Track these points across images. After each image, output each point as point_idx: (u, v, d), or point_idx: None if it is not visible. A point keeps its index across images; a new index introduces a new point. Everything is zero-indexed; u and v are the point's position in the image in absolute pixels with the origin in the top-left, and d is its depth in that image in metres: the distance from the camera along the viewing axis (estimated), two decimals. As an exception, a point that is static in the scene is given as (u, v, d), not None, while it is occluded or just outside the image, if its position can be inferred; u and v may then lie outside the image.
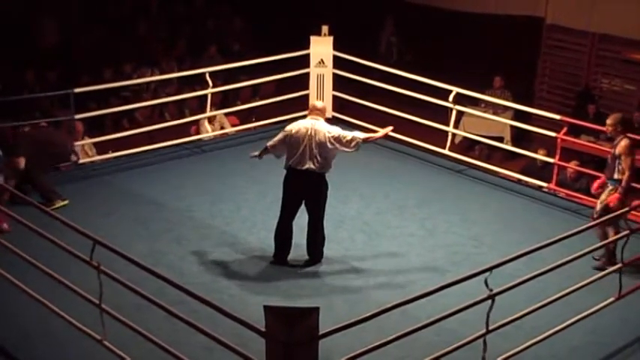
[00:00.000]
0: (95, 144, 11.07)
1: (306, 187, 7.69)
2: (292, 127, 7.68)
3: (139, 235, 8.39)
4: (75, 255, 6.00)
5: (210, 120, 11.84)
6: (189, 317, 5.36)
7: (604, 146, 11.72)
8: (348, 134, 7.70)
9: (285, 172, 7.75)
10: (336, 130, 7.69)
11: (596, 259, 7.93)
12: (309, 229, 7.89)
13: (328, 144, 7.56)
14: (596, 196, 8.26)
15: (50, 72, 13.11)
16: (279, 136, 7.79)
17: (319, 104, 8.01)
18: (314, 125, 7.64)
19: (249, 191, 9.57)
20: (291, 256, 7.93)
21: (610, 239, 7.54)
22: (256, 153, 8.04)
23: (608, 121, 8.09)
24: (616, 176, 7.95)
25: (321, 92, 11.75)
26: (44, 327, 6.57)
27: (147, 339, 5.65)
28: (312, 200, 7.77)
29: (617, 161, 7.94)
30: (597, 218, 7.79)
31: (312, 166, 7.55)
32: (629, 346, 6.79)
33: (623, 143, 7.93)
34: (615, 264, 7.25)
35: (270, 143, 7.89)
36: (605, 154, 11.48)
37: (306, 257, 7.94)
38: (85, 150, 10.97)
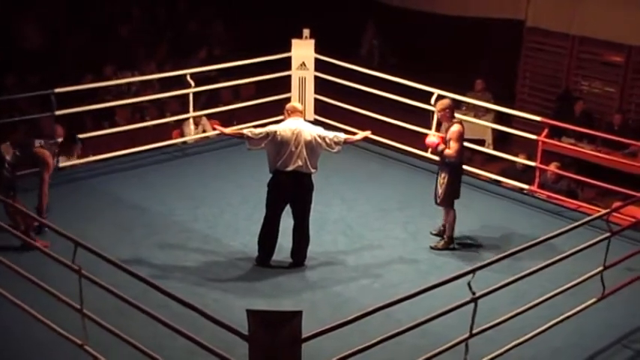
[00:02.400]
0: (76, 148, 10.98)
1: (294, 188, 7.68)
2: (278, 129, 7.65)
3: (121, 240, 8.34)
4: (56, 259, 5.96)
5: (196, 122, 11.81)
6: (171, 321, 5.33)
7: (585, 148, 11.83)
8: (331, 134, 7.77)
9: (269, 174, 7.72)
10: (320, 130, 7.76)
11: (433, 234, 8.61)
12: (294, 232, 7.89)
13: (314, 143, 7.61)
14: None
15: (32, 76, 13.03)
16: (262, 132, 7.69)
17: (300, 106, 8.03)
18: (299, 126, 7.65)
19: (232, 195, 9.55)
20: (273, 259, 7.91)
21: (450, 221, 8.30)
22: (226, 130, 8.01)
23: (437, 107, 8.40)
24: (448, 160, 8.20)
25: (303, 95, 11.76)
26: (25, 331, 6.51)
27: (129, 344, 5.62)
28: (299, 202, 7.78)
29: (447, 145, 8.19)
30: (439, 203, 8.38)
31: (300, 167, 7.57)
32: (611, 347, 6.82)
33: (455, 129, 8.17)
34: (453, 248, 8.28)
35: (248, 132, 7.75)
36: (586, 156, 11.64)
37: (289, 260, 7.93)
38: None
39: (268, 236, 7.85)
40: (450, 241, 8.46)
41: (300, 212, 7.82)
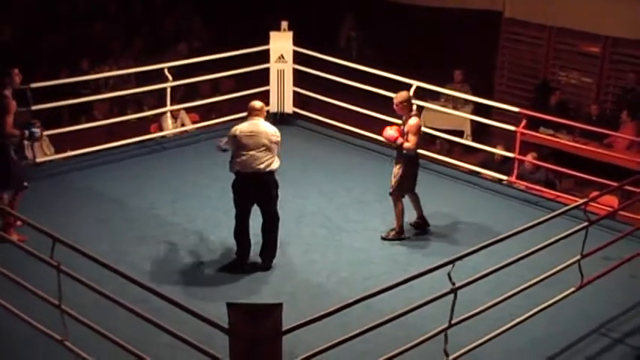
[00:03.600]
0: (53, 142, 10.94)
1: (255, 188, 7.60)
2: (236, 130, 7.56)
3: (100, 234, 8.31)
4: (34, 255, 5.93)
5: (174, 116, 11.77)
6: (152, 316, 5.32)
7: (562, 139, 11.90)
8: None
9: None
10: (277, 135, 7.63)
11: (411, 224, 8.64)
12: (263, 231, 7.81)
13: (273, 145, 7.53)
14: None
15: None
16: (229, 139, 7.66)
17: (258, 104, 7.78)
18: (258, 126, 7.56)
19: (211, 189, 9.52)
20: (254, 253, 7.90)
21: (397, 213, 8.38)
22: (225, 146, 7.85)
23: (395, 100, 8.41)
24: (404, 152, 8.29)
25: (282, 88, 11.74)
26: (4, 328, 6.47)
27: (109, 339, 5.61)
28: (263, 201, 7.69)
29: (405, 138, 8.25)
30: (392, 192, 8.39)
31: (260, 167, 7.47)
32: (590, 335, 6.89)
33: (413, 122, 8.23)
34: (403, 238, 8.38)
35: (225, 146, 7.77)
36: (564, 146, 11.71)
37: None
38: (43, 149, 10.83)
39: (241, 233, 7.78)
40: (401, 232, 8.50)
41: (267, 210, 7.74)
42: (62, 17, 14.94)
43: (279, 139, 7.63)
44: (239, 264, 7.80)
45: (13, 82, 8.22)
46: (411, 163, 8.40)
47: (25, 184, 8.14)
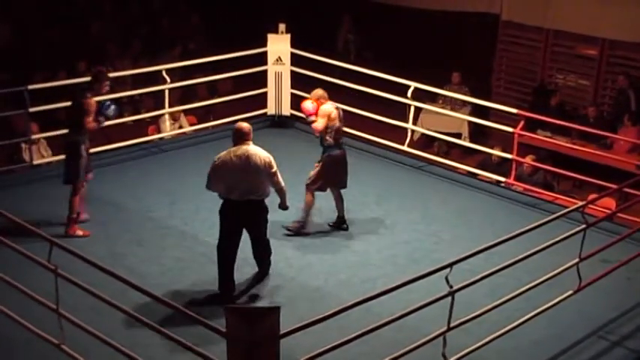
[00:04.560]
0: (51, 145, 10.91)
1: (246, 216, 7.14)
2: (220, 156, 7.12)
3: (97, 237, 8.28)
4: (31, 258, 5.91)
5: (174, 118, 11.76)
6: (149, 319, 5.30)
7: (560, 141, 11.90)
8: (278, 173, 7.27)
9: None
10: (270, 159, 7.19)
11: (330, 226, 8.73)
12: (254, 254, 7.52)
13: (263, 170, 7.08)
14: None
15: (2, 73, 12.91)
16: (210, 171, 7.19)
17: (246, 127, 7.20)
18: (247, 151, 7.07)
19: (208, 192, 9.47)
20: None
21: (305, 207, 8.48)
22: None
23: (311, 96, 8.57)
24: (326, 142, 8.44)
25: (279, 90, 11.74)
26: (1, 332, 6.45)
27: (106, 343, 5.59)
28: (253, 228, 7.28)
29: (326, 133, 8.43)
30: (307, 184, 8.48)
31: (250, 195, 7.04)
32: (588, 337, 6.87)
33: (325, 106, 8.41)
34: (304, 234, 8.46)
35: (209, 185, 7.28)
36: (561, 148, 11.72)
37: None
38: (41, 151, 10.82)
39: (226, 262, 7.22)
40: (303, 226, 8.54)
41: (257, 237, 7.37)
42: (60, 18, 14.91)
43: (273, 164, 7.18)
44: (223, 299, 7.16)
45: (99, 88, 8.35)
46: (332, 160, 8.48)
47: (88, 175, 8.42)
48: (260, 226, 7.34)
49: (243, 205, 7.07)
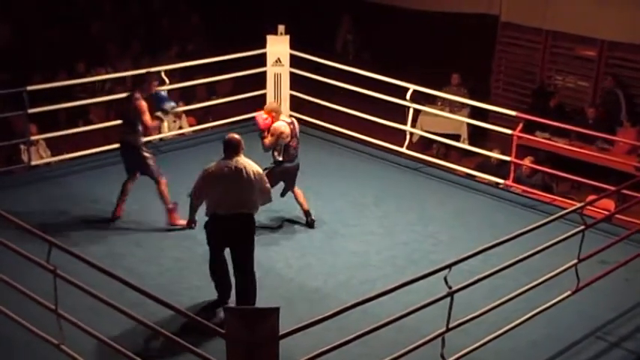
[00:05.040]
0: (50, 145, 10.91)
1: (234, 232, 6.84)
2: (210, 168, 6.88)
3: (96, 238, 8.29)
4: (30, 259, 5.92)
5: (177, 115, 11.77)
6: (148, 320, 5.31)
7: (559, 142, 11.90)
8: (264, 190, 7.01)
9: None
10: (260, 170, 7.01)
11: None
12: (236, 277, 6.97)
13: (256, 183, 6.84)
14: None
15: (1, 73, 12.91)
16: (199, 181, 6.95)
17: (238, 139, 6.95)
18: (237, 162, 6.83)
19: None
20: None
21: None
22: (187, 224, 7.39)
23: (264, 110, 8.58)
24: (275, 159, 8.50)
25: (279, 91, 11.74)
26: (0, 333, 6.46)
27: (105, 343, 5.59)
28: (240, 245, 6.90)
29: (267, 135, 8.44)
30: None
31: (240, 208, 6.78)
32: (587, 338, 6.88)
33: (276, 124, 8.38)
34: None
35: (193, 195, 7.06)
36: (560, 150, 11.72)
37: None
38: (40, 152, 10.82)
39: (219, 274, 7.05)
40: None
41: (241, 256, 6.90)
42: (60, 18, 14.92)
43: (265, 178, 7.07)
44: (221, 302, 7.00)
45: (148, 88, 8.53)
46: (282, 171, 8.52)
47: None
48: (247, 245, 6.89)
49: (232, 220, 6.78)
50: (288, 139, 8.44)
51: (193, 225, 7.34)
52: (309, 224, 8.78)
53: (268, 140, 8.37)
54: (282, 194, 8.66)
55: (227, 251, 6.99)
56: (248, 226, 6.87)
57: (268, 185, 7.11)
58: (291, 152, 8.52)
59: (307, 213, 8.81)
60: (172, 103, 8.81)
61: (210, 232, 6.92)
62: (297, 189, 8.76)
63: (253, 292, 6.97)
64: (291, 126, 8.50)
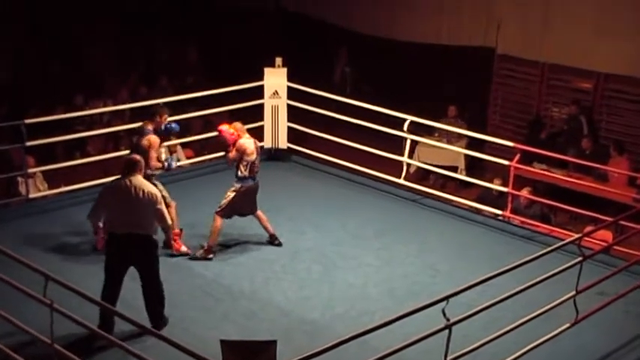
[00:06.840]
0: (47, 178, 10.91)
1: (133, 252, 6.88)
2: (108, 184, 7.07)
3: (93, 271, 8.24)
4: (27, 293, 5.89)
5: (172, 151, 11.77)
6: (146, 354, 5.27)
7: (557, 173, 11.92)
8: (164, 209, 7.10)
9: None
10: (157, 194, 7.05)
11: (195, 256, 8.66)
12: (144, 293, 7.10)
13: (149, 204, 6.86)
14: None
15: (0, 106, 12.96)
16: (98, 200, 7.04)
17: (137, 159, 7.10)
18: (133, 182, 6.88)
19: (203, 225, 9.46)
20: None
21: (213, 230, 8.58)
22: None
23: (230, 126, 8.80)
24: (239, 174, 8.65)
25: (276, 124, 11.77)
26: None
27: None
28: (142, 265, 6.98)
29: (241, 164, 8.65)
30: (217, 211, 8.62)
31: (136, 229, 6.79)
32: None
33: (241, 140, 8.66)
34: (209, 258, 8.53)
35: (91, 214, 7.11)
36: (558, 181, 11.73)
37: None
38: (37, 184, 10.81)
39: (109, 302, 6.65)
40: (209, 251, 8.63)
41: (145, 273, 7.02)
42: (58, 52, 15.00)
43: (160, 199, 7.03)
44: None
45: (159, 122, 8.64)
46: (245, 191, 8.66)
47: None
48: (150, 264, 6.98)
49: (129, 240, 6.80)
50: (254, 156, 8.66)
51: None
52: (277, 245, 8.94)
53: (232, 155, 8.65)
54: (249, 214, 8.82)
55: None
56: (148, 248, 6.93)
57: (162, 207, 7.04)
58: (255, 170, 8.73)
59: (273, 237, 8.95)
60: (172, 127, 8.85)
61: (107, 253, 6.97)
62: (260, 212, 8.89)
63: (161, 307, 7.11)
64: (256, 144, 8.78)
